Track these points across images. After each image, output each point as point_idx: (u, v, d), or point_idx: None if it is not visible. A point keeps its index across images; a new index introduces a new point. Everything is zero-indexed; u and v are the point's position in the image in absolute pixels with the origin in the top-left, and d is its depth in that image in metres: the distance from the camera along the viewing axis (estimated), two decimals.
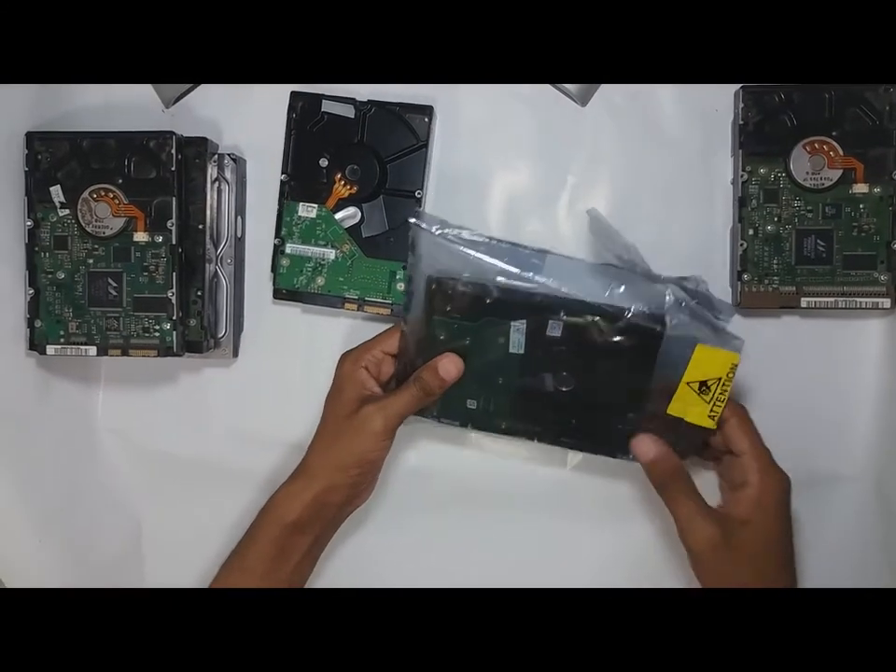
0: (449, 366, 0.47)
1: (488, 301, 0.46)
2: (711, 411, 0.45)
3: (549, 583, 0.53)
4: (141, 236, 0.52)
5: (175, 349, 0.52)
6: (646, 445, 0.45)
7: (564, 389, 0.47)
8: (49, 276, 0.53)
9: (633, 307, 0.45)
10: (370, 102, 0.53)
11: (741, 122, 0.50)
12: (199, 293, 0.53)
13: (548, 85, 0.53)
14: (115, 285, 0.53)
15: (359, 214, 0.53)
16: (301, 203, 0.53)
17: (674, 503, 0.45)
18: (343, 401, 0.48)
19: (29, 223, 0.53)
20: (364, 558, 0.56)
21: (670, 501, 0.45)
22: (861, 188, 0.50)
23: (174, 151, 0.52)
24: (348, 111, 0.53)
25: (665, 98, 0.53)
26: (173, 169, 0.52)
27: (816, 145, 0.50)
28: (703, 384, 0.45)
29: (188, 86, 0.55)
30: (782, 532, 0.45)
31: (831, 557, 0.54)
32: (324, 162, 0.53)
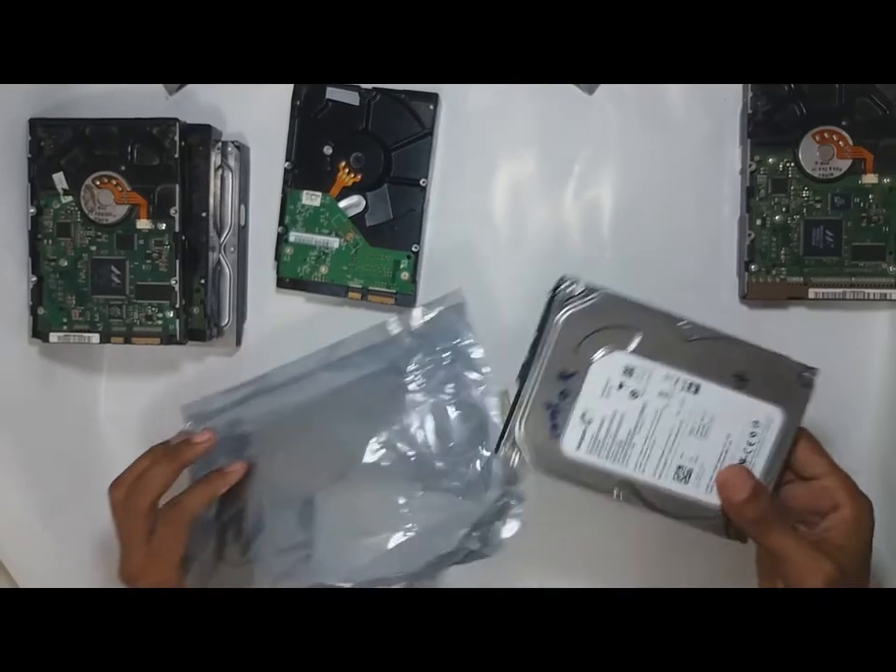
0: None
1: None
2: None
3: (551, 579, 0.53)
4: (144, 223, 0.52)
5: (177, 337, 0.52)
6: (739, 481, 0.40)
7: None
8: (52, 264, 0.53)
9: None
10: (374, 89, 0.52)
11: (750, 112, 0.50)
12: (202, 281, 0.53)
13: None
14: (118, 272, 0.52)
15: (363, 202, 0.53)
16: (304, 192, 0.53)
17: (778, 541, 0.39)
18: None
19: (32, 210, 0.52)
20: None
21: (772, 540, 0.40)
22: (870, 178, 0.49)
23: (177, 138, 0.51)
24: (353, 98, 0.52)
25: (674, 87, 0.52)
26: (176, 156, 0.51)
27: (825, 134, 0.49)
28: None
29: None
30: (869, 553, 0.41)
31: None
32: (328, 150, 0.53)
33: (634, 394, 0.40)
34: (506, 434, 0.40)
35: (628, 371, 0.40)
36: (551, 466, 0.41)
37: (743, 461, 0.41)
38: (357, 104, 0.52)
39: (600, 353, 0.40)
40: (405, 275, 0.53)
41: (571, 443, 0.41)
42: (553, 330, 0.40)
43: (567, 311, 0.40)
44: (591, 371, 0.40)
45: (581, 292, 0.40)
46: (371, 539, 0.51)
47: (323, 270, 0.53)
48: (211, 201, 0.53)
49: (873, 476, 0.53)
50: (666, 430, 0.41)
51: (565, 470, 0.41)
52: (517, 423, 0.40)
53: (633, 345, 0.40)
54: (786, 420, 0.41)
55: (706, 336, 0.41)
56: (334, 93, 0.52)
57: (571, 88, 0.52)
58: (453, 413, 0.52)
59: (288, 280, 0.54)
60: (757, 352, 0.41)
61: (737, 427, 0.41)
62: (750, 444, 0.41)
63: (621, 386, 0.40)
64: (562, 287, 0.40)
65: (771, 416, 0.41)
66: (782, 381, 0.41)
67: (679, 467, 0.41)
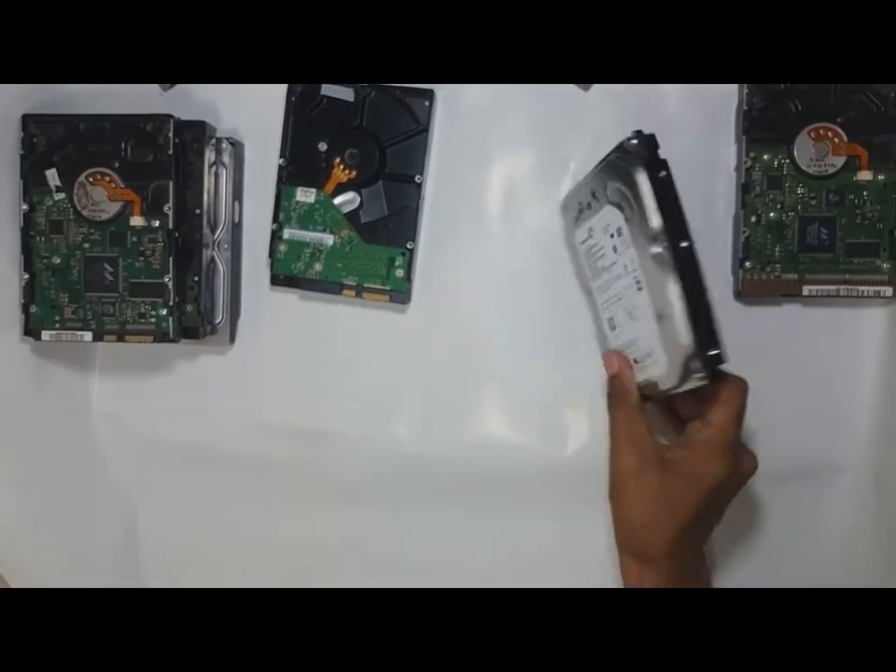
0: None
1: None
2: None
3: (546, 576, 0.53)
4: (137, 220, 0.52)
5: (171, 335, 0.52)
6: (612, 362, 0.47)
7: None
8: (45, 261, 0.52)
9: None
10: (370, 85, 0.52)
11: (745, 108, 0.50)
12: (196, 278, 0.53)
13: None
14: (111, 270, 0.52)
15: (358, 199, 0.53)
16: (299, 188, 0.53)
17: (616, 412, 0.47)
18: None
19: (24, 207, 0.52)
20: (364, 550, 0.56)
21: (613, 411, 0.47)
22: (865, 175, 0.49)
23: (171, 135, 0.51)
24: (348, 95, 0.52)
25: (669, 84, 0.52)
26: (170, 153, 0.51)
27: (820, 131, 0.49)
28: None
29: None
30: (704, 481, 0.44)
31: (827, 549, 0.54)
32: (323, 147, 0.52)
33: (615, 249, 0.46)
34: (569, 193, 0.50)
35: (619, 232, 0.45)
36: (568, 232, 0.51)
37: (636, 362, 0.47)
38: (351, 100, 0.52)
39: (614, 202, 0.45)
40: (400, 272, 0.53)
41: (579, 238, 0.49)
42: (605, 163, 0.45)
43: (614, 157, 0.44)
44: (605, 208, 0.46)
45: (634, 153, 0.44)
46: None
47: (317, 267, 0.53)
48: (205, 197, 0.53)
49: (866, 473, 0.53)
50: (619, 290, 0.46)
51: (571, 245, 0.51)
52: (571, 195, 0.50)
53: (628, 216, 0.44)
54: (666, 374, 0.44)
55: (665, 271, 0.43)
56: (329, 90, 0.52)
57: (567, 85, 0.52)
58: None
59: (283, 277, 0.54)
60: (677, 320, 0.43)
61: (644, 342, 0.46)
62: (644, 359, 0.46)
63: (612, 236, 0.46)
64: (631, 141, 0.44)
65: (661, 361, 0.44)
66: (678, 353, 0.43)
67: (611, 318, 0.48)
